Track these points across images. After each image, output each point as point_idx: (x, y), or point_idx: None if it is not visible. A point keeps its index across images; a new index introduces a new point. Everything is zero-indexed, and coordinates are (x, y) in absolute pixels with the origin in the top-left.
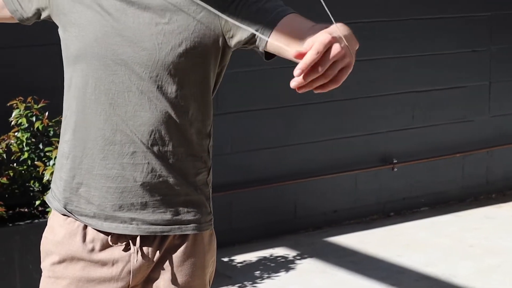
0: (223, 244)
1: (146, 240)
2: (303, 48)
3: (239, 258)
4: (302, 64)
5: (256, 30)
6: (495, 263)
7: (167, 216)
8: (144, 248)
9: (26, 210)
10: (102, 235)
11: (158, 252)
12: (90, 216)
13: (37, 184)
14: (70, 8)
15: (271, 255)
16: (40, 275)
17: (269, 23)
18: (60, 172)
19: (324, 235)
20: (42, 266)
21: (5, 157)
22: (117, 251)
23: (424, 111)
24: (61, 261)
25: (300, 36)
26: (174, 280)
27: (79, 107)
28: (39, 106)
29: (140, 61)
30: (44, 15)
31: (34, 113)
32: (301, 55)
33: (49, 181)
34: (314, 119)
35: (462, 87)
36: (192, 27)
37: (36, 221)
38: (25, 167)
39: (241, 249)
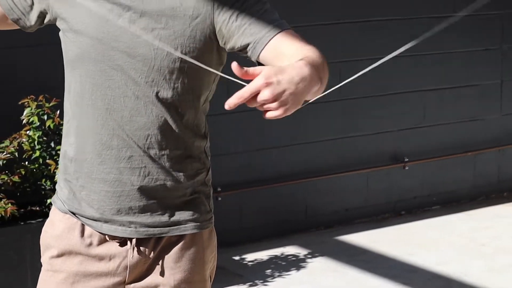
0: (234, 243)
1: (143, 239)
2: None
3: (250, 257)
4: (228, 103)
5: (249, 44)
6: (507, 262)
7: (165, 218)
8: (141, 247)
9: (37, 208)
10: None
11: (155, 249)
12: (90, 219)
13: (48, 183)
14: (68, 13)
15: (282, 254)
16: None
17: (262, 39)
18: (65, 174)
19: (335, 234)
20: (42, 259)
21: (17, 155)
22: (114, 246)
23: (436, 109)
24: (59, 255)
25: (284, 59)
26: (173, 276)
27: (78, 112)
28: (51, 104)
29: (136, 67)
30: (46, 19)
31: (45, 112)
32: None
33: None
34: (325, 118)
35: (474, 85)
36: (188, 32)
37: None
38: (36, 165)
39: (252, 247)
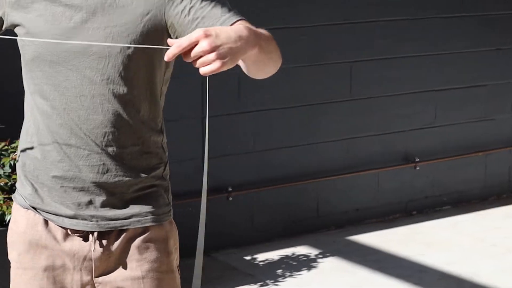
0: (245, 243)
1: (105, 232)
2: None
3: (261, 257)
4: (167, 54)
5: None
6: None
7: (126, 211)
8: (104, 240)
9: None
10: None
11: (118, 242)
12: (52, 213)
13: None
14: (23, 19)
15: (293, 254)
16: None
17: None
18: (25, 171)
19: (346, 234)
20: (9, 258)
21: None
22: (77, 241)
23: (447, 109)
24: (26, 251)
25: None
26: (140, 267)
27: (37, 112)
28: None
29: (90, 65)
30: (4, 26)
31: None
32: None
33: None
34: (336, 117)
35: (484, 85)
36: (139, 28)
37: None
38: None
39: (263, 247)
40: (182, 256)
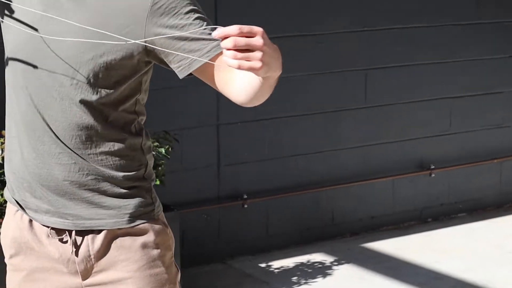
0: (260, 250)
1: (82, 233)
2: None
3: (276, 264)
4: (221, 30)
5: (181, 60)
6: None
7: (102, 211)
8: (84, 241)
9: None
10: (45, 228)
11: (98, 244)
12: (33, 210)
13: None
14: (5, 18)
15: (308, 261)
16: None
17: (200, 57)
18: (10, 165)
19: (361, 241)
20: (5, 260)
21: None
22: (59, 243)
23: (462, 117)
24: (17, 254)
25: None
26: (125, 268)
27: (15, 107)
28: None
29: (62, 68)
30: None
31: None
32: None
33: None
34: (352, 125)
35: (500, 92)
36: (115, 39)
37: None
38: None
39: (278, 254)
40: (196, 263)
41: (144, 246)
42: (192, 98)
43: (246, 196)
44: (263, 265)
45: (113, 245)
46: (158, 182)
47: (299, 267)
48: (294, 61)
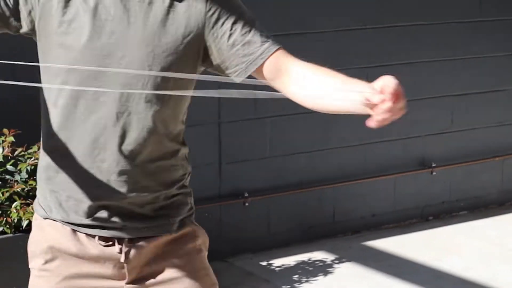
0: (261, 248)
1: (133, 240)
2: (372, 92)
3: (277, 262)
4: (379, 113)
5: (238, 64)
6: None
7: (154, 220)
8: (133, 248)
9: None
10: (90, 236)
11: (147, 249)
12: (79, 225)
13: None
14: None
15: (309, 259)
16: None
17: (255, 60)
18: (49, 184)
19: (362, 239)
20: (31, 266)
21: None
22: (108, 249)
23: (463, 114)
24: (53, 259)
25: (287, 74)
26: (172, 269)
27: (69, 125)
28: None
29: (130, 82)
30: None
31: None
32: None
33: None
34: (353, 123)
35: (501, 90)
36: (180, 49)
37: None
38: None
39: (279, 253)
40: None
41: (191, 249)
42: (194, 96)
43: (247, 194)
44: (264, 263)
45: (160, 249)
46: None
47: (300, 265)
48: None
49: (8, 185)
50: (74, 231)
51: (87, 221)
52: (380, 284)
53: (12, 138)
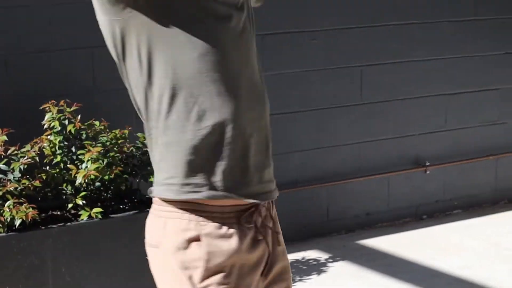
0: None
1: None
2: None
3: None
4: None
5: None
6: None
7: (272, 182)
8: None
9: (58, 213)
10: (243, 230)
11: (271, 217)
12: (247, 197)
13: (69, 187)
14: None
15: (303, 258)
16: (73, 278)
17: None
18: (216, 162)
19: (356, 238)
20: (205, 283)
21: (38, 160)
22: (261, 246)
23: (457, 113)
24: (230, 272)
25: None
26: (281, 239)
27: (233, 101)
28: (72, 109)
29: (247, 53)
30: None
31: (66, 117)
32: None
33: (81, 184)
34: (347, 121)
35: (495, 89)
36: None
37: (69, 224)
38: (57, 170)
39: None
40: None
41: (277, 219)
42: None
43: None
44: None
45: (272, 218)
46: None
47: (293, 264)
48: (290, 58)
49: (1, 184)
50: (238, 233)
51: (251, 188)
52: (374, 282)
53: (5, 137)
